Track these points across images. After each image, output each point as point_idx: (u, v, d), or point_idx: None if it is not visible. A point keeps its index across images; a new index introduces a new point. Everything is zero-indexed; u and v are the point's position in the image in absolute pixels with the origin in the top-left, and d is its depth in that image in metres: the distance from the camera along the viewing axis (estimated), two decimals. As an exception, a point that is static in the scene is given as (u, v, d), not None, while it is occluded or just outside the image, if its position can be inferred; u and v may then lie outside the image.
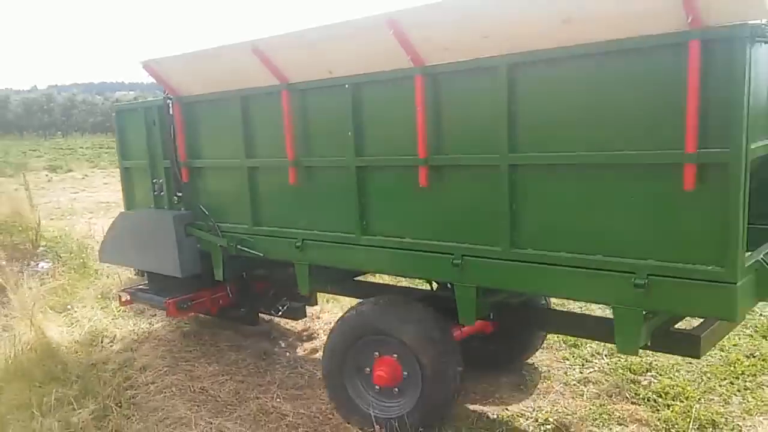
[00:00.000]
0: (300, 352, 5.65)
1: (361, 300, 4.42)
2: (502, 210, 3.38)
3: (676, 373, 4.82)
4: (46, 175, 23.25)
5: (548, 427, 4.20)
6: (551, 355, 5.36)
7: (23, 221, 10.50)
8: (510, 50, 3.23)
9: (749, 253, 2.98)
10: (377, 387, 4.10)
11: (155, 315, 6.73)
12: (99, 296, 7.27)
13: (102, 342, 5.91)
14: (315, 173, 4.30)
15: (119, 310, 6.84)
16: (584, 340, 5.52)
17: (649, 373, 4.82)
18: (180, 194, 5.19)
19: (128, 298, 5.68)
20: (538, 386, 4.79)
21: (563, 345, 5.53)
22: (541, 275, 3.34)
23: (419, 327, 3.93)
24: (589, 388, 4.71)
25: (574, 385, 4.79)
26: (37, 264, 9.10)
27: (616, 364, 5.04)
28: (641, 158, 2.93)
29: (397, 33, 3.46)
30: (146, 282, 5.80)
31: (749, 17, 2.61)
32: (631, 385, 4.66)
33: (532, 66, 3.20)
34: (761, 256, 3.08)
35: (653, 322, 3.28)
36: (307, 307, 5.70)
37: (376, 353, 4.08)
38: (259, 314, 5.95)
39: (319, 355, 5.48)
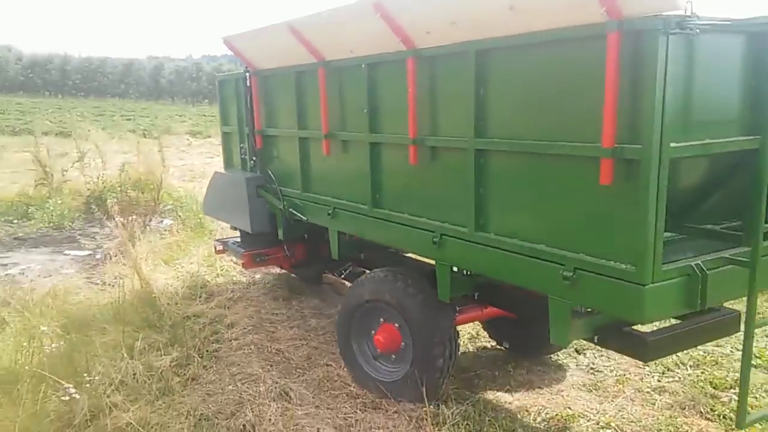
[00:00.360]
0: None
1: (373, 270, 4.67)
2: (470, 193, 3.50)
3: (764, 394, 4.50)
4: (187, 140, 24.93)
5: (607, 431, 4.07)
6: (632, 360, 5.13)
7: (155, 180, 11.42)
8: (474, 37, 3.33)
9: (687, 259, 2.92)
10: (378, 350, 4.41)
11: (254, 278, 7.14)
12: (207, 254, 7.79)
13: (200, 296, 6.36)
14: (343, 146, 4.62)
15: (222, 269, 7.33)
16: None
17: (732, 390, 4.51)
18: (255, 159, 5.76)
19: (221, 248, 6.32)
20: (609, 389, 4.63)
21: (646, 351, 5.29)
22: (499, 260, 3.42)
23: (412, 300, 4.12)
24: (663, 398, 4.49)
25: (648, 392, 4.58)
26: (161, 221, 9.89)
27: (698, 376, 4.77)
28: (567, 149, 2.95)
29: (385, 17, 3.68)
30: (239, 236, 6.33)
31: (667, 9, 2.52)
32: (710, 399, 4.40)
33: (488, 53, 3.30)
34: (697, 262, 2.92)
35: (598, 318, 3.34)
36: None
37: (381, 319, 4.36)
38: (323, 275, 6.43)
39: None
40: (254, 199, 5.60)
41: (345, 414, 4.17)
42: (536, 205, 3.21)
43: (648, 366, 5.02)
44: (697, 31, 2.57)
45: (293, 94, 5.04)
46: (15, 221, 9.98)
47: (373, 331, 4.43)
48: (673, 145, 2.64)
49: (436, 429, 3.94)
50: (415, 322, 4.12)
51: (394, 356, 4.39)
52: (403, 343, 4.28)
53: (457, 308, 4.33)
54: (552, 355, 5.16)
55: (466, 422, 4.08)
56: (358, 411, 4.21)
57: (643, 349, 3.43)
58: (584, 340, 3.87)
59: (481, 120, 3.39)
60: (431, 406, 4.16)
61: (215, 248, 6.52)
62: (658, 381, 4.77)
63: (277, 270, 7.29)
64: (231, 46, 5.71)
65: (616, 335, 3.55)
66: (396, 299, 4.19)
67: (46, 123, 27.30)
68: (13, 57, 55.48)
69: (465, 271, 4.07)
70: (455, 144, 3.61)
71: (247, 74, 5.65)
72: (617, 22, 2.62)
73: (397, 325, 4.28)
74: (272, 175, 5.53)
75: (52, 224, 9.75)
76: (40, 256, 8.15)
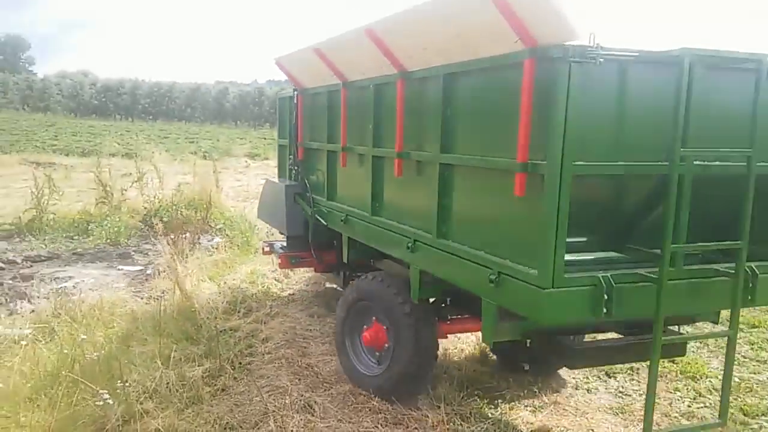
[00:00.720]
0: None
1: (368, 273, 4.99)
2: (434, 203, 3.83)
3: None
4: (245, 161, 25.64)
5: (629, 454, 4.02)
6: (663, 384, 5.04)
7: (207, 200, 11.83)
8: (440, 62, 3.72)
9: (595, 271, 3.13)
10: (365, 346, 4.79)
11: (293, 295, 7.32)
12: (250, 272, 8.02)
13: (239, 311, 6.56)
14: (355, 159, 5.01)
15: (263, 286, 7.54)
16: (702, 373, 5.16)
17: (764, 417, 4.38)
18: (297, 169, 6.28)
19: (268, 249, 6.87)
20: (635, 413, 4.55)
21: (679, 376, 5.19)
22: (453, 265, 3.69)
23: (393, 304, 4.45)
24: (690, 423, 4.39)
25: (675, 417, 4.49)
26: (212, 239, 10.23)
27: (730, 404, 4.63)
28: (492, 164, 3.32)
29: (376, 41, 4.12)
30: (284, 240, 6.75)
31: (567, 39, 2.80)
32: (739, 426, 4.29)
33: (441, 78, 3.70)
34: (606, 274, 3.09)
35: (526, 323, 3.56)
36: None
37: (374, 318, 4.68)
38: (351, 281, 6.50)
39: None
40: (291, 205, 6.14)
41: (366, 428, 4.24)
42: (476, 214, 3.58)
43: (678, 391, 4.93)
44: (601, 60, 2.82)
45: (324, 111, 5.51)
46: (75, 237, 10.50)
47: (363, 328, 4.79)
48: (576, 163, 2.89)
49: (453, 446, 3.97)
50: (397, 324, 4.43)
51: (377, 354, 4.73)
52: (386, 344, 4.58)
53: (449, 318, 4.64)
54: (571, 374, 5.12)
55: (485, 441, 4.10)
56: (379, 426, 4.28)
57: (569, 356, 3.81)
58: (515, 341, 4.23)
59: (445, 137, 3.74)
60: (450, 424, 4.20)
61: (263, 249, 7.04)
62: (688, 406, 4.68)
63: (317, 288, 7.47)
64: (281, 67, 6.29)
65: (546, 340, 3.92)
66: (382, 300, 4.58)
67: (114, 145, 28.57)
68: (88, 82, 58.46)
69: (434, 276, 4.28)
70: (426, 158, 3.98)
71: (295, 92, 6.26)
72: (530, 50, 2.94)
73: (385, 327, 4.59)
74: (308, 184, 6.02)
75: (109, 240, 10.21)
76: (94, 270, 8.55)
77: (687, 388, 4.96)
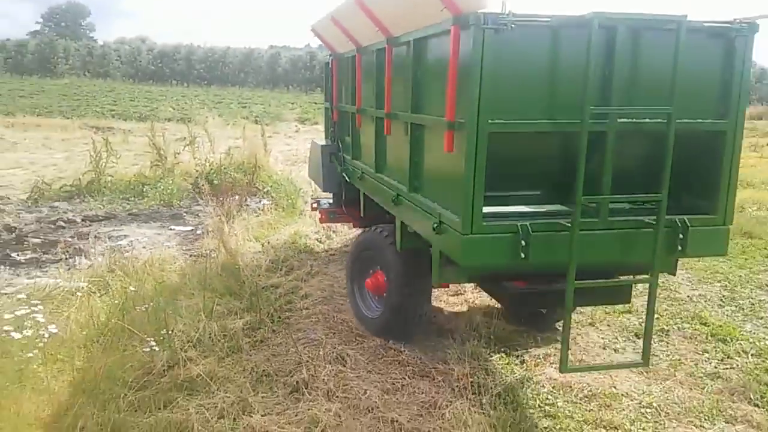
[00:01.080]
0: (442, 304, 6.02)
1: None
2: (406, 159, 4.16)
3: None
4: (296, 126, 25.99)
5: (648, 410, 4.12)
6: (692, 346, 5.10)
7: (258, 164, 12.16)
8: (408, 29, 4.08)
9: (514, 219, 3.44)
10: (369, 292, 5.28)
11: (334, 255, 7.56)
12: (293, 232, 8.30)
13: (280, 270, 6.84)
14: (366, 120, 5.36)
15: (305, 246, 7.80)
16: (734, 336, 5.18)
17: (789, 381, 4.41)
18: (333, 130, 6.68)
19: (315, 205, 7.35)
20: (660, 373, 4.63)
21: (710, 338, 5.22)
22: (417, 216, 4.06)
23: (388, 252, 4.89)
24: (714, 383, 4.46)
25: (699, 377, 4.55)
26: (259, 201, 10.56)
27: (757, 365, 4.69)
28: (435, 123, 3.66)
29: (366, 11, 4.47)
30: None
31: (480, 7, 3.08)
32: (762, 387, 4.33)
33: (416, 43, 4.01)
34: (524, 223, 3.38)
35: (471, 268, 3.87)
36: None
37: (377, 267, 5.13)
38: None
39: (458, 309, 5.84)
40: (327, 164, 6.55)
41: (393, 379, 4.45)
42: (429, 169, 3.97)
43: (707, 353, 4.97)
44: (513, 26, 3.09)
45: (349, 75, 5.89)
46: (131, 199, 10.99)
47: (368, 275, 5.24)
48: (490, 121, 3.21)
49: (475, 397, 4.15)
50: (391, 271, 4.87)
51: (377, 298, 5.25)
52: (386, 291, 5.03)
53: None
54: (601, 334, 5.23)
55: (506, 394, 4.26)
56: (407, 377, 4.48)
57: (511, 299, 4.28)
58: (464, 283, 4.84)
59: (414, 98, 4.07)
60: (474, 377, 4.38)
61: (312, 205, 7.51)
62: (714, 367, 4.72)
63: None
64: (316, 33, 6.61)
65: (491, 285, 4.40)
66: (380, 249, 5.03)
67: (169, 110, 29.36)
68: (145, 48, 59.61)
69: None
70: (402, 118, 4.31)
71: (330, 57, 6.69)
72: (454, 18, 3.24)
73: (385, 274, 5.03)
74: (340, 144, 6.42)
75: (162, 202, 10.66)
76: (148, 230, 8.98)
77: (716, 350, 5.00)
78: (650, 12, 3.33)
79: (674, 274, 4.28)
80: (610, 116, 3.36)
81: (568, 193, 3.48)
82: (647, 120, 3.47)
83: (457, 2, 3.20)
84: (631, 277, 4.15)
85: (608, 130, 3.36)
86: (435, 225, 3.65)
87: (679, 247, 3.58)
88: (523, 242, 3.36)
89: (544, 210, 3.73)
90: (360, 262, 5.46)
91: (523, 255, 3.38)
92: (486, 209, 3.35)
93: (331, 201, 7.08)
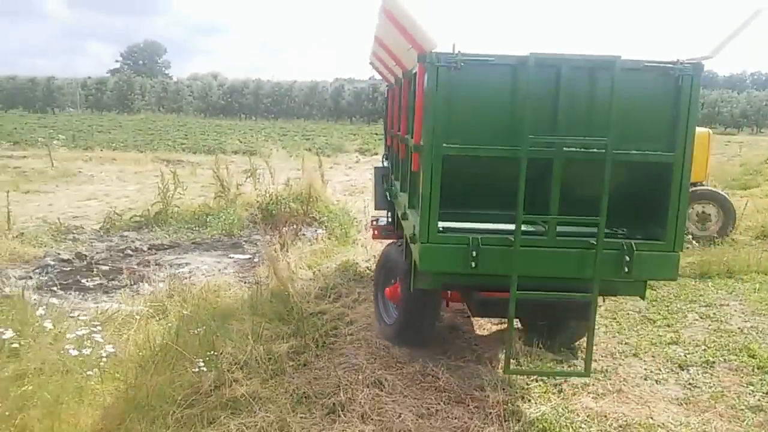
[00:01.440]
0: (481, 332, 6.10)
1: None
2: (408, 177, 4.69)
3: None
4: (356, 157, 26.45)
5: (683, 442, 4.09)
6: (737, 378, 5.02)
7: (314, 194, 12.53)
8: (409, 66, 4.68)
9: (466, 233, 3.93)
10: (388, 301, 5.74)
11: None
12: (345, 261, 8.53)
13: (329, 297, 7.06)
14: (393, 142, 6.00)
15: (355, 274, 8.02)
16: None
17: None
18: (386, 154, 7.37)
19: (373, 222, 7.75)
20: (700, 404, 4.59)
21: (756, 370, 5.12)
22: (408, 228, 4.45)
23: (401, 265, 5.24)
24: (756, 417, 4.39)
25: (741, 410, 4.49)
26: (315, 230, 10.87)
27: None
28: (412, 144, 4.20)
29: (384, 47, 5.33)
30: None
31: (431, 48, 3.70)
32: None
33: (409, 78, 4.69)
34: (475, 236, 3.86)
35: (448, 276, 4.21)
36: None
37: (398, 278, 5.47)
38: None
39: (498, 336, 5.92)
40: (379, 184, 7.25)
41: (428, 404, 4.57)
42: (413, 186, 4.43)
43: (752, 385, 4.88)
44: (461, 65, 3.65)
45: (392, 103, 6.57)
46: (195, 228, 11.49)
47: (389, 284, 5.68)
48: (445, 144, 3.73)
49: (507, 424, 4.21)
50: (404, 281, 5.11)
51: (394, 306, 5.68)
52: (399, 300, 5.42)
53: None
54: (643, 365, 5.19)
55: (539, 422, 4.31)
56: (441, 403, 4.59)
57: (473, 305, 4.48)
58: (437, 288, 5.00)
59: (407, 122, 4.69)
60: (509, 405, 4.45)
61: (371, 223, 7.86)
62: (758, 400, 4.65)
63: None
64: (373, 65, 7.18)
65: (462, 291, 4.80)
66: (396, 262, 5.48)
67: (236, 143, 30.37)
68: (216, 83, 62.07)
69: None
70: (402, 140, 5.07)
71: (387, 87, 7.53)
72: (419, 56, 3.81)
73: (401, 287, 5.35)
74: (390, 167, 6.85)
75: (224, 231, 11.10)
76: (209, 258, 9.40)
77: (762, 383, 4.90)
78: (601, 52, 3.74)
79: (643, 298, 4.54)
80: (557, 145, 3.78)
81: (538, 212, 3.94)
82: (594, 150, 3.80)
83: (420, 43, 3.77)
84: (576, 293, 4.17)
85: (555, 157, 3.78)
86: (410, 234, 4.20)
87: (626, 269, 3.87)
88: (473, 253, 3.82)
89: (501, 227, 4.09)
90: (385, 272, 5.93)
91: (473, 264, 3.84)
92: (446, 224, 3.91)
93: (389, 220, 7.47)
